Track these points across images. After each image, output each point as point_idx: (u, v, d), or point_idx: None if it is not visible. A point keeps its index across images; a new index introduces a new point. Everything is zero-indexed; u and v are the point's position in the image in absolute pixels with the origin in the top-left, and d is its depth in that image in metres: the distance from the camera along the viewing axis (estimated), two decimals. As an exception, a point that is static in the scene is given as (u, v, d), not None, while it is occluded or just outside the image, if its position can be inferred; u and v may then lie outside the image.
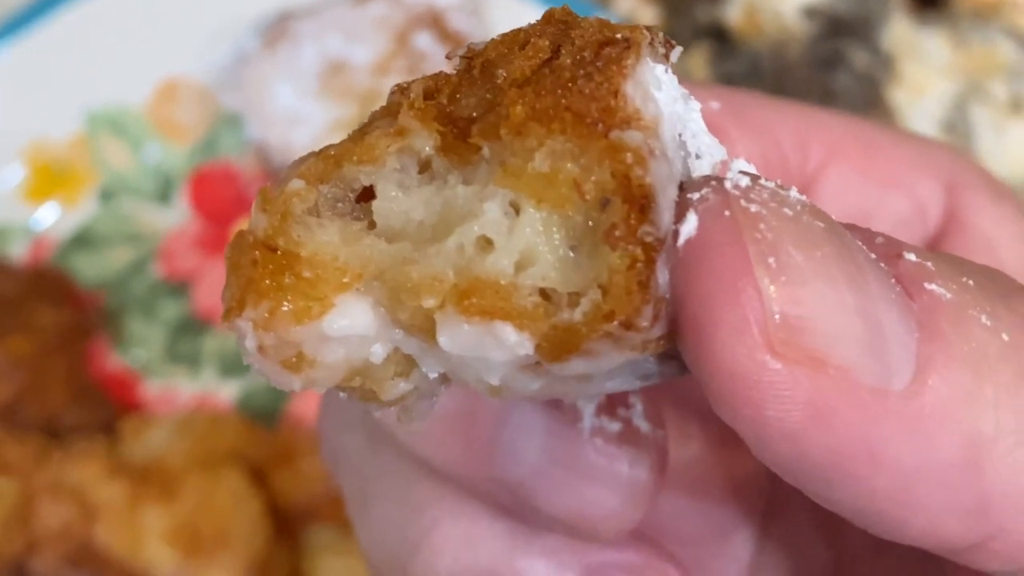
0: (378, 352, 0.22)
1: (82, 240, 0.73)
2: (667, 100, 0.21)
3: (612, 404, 0.28)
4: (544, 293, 0.21)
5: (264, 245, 0.22)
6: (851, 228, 0.22)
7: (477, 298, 0.21)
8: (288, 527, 0.62)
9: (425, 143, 0.22)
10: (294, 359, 0.22)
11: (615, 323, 0.20)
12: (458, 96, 0.22)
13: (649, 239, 0.20)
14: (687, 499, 0.34)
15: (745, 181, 0.20)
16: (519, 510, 0.29)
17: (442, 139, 0.22)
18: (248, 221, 0.22)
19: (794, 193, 0.21)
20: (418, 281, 0.21)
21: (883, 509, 0.21)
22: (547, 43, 0.21)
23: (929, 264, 0.21)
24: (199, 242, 0.74)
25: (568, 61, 0.21)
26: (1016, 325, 0.21)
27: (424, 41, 0.69)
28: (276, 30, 0.69)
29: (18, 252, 0.72)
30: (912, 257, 0.21)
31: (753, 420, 0.20)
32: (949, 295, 0.21)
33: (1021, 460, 0.21)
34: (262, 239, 0.22)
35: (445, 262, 0.21)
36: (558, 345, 0.20)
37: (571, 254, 0.21)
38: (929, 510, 0.21)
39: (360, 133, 0.23)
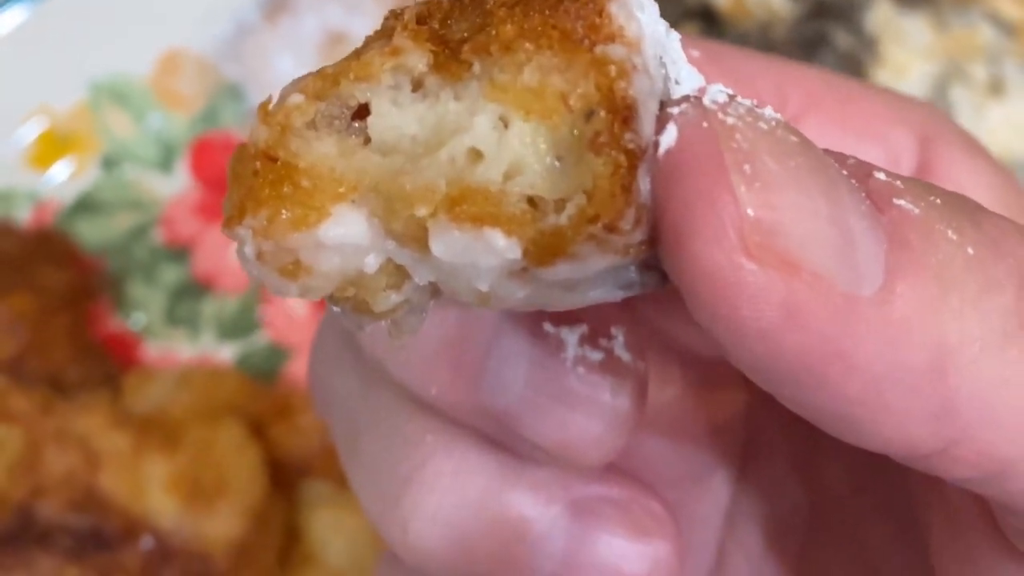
0: (371, 262, 0.23)
1: (85, 206, 0.75)
2: (649, 22, 0.22)
3: (594, 335, 0.28)
4: (532, 201, 0.22)
5: (264, 156, 0.23)
6: (824, 150, 0.22)
7: (467, 205, 0.22)
8: (284, 481, 0.63)
9: (418, 61, 0.23)
10: (291, 266, 0.23)
11: (599, 225, 0.21)
12: (449, 21, 0.23)
13: (631, 146, 0.21)
14: (667, 441, 0.35)
15: (722, 98, 0.21)
16: (505, 439, 0.30)
17: (434, 58, 0.23)
18: (249, 134, 0.23)
19: (769, 111, 0.22)
20: (411, 191, 0.22)
21: (854, 413, 0.22)
22: None
23: (898, 183, 0.22)
24: (199, 209, 0.76)
25: None
26: (981, 241, 0.22)
27: (421, 14, 0.71)
28: (277, 2, 0.71)
29: (22, 217, 0.74)
30: (882, 176, 0.22)
31: (729, 320, 0.20)
32: (917, 210, 0.22)
33: (984, 367, 0.21)
34: (262, 150, 0.23)
35: (437, 173, 0.22)
36: (545, 249, 0.22)
37: (557, 164, 0.22)
38: (897, 414, 0.22)
39: (356, 54, 0.24)
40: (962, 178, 0.33)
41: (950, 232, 0.22)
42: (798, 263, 0.20)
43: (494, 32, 0.22)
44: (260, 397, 0.64)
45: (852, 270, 0.21)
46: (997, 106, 0.79)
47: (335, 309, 0.24)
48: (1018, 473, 0.23)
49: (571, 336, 0.29)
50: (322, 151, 0.23)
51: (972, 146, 0.34)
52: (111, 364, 0.70)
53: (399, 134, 0.23)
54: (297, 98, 0.23)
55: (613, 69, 0.21)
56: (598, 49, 0.22)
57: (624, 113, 0.21)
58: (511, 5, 0.23)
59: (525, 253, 0.22)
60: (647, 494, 0.31)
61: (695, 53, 0.31)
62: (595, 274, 0.23)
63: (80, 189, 0.75)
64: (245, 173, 0.23)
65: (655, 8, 0.23)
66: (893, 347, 0.21)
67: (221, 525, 0.59)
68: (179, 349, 0.73)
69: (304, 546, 0.63)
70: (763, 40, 0.80)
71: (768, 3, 0.81)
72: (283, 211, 0.23)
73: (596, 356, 0.29)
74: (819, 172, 0.21)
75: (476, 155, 0.22)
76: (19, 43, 0.74)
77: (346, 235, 0.23)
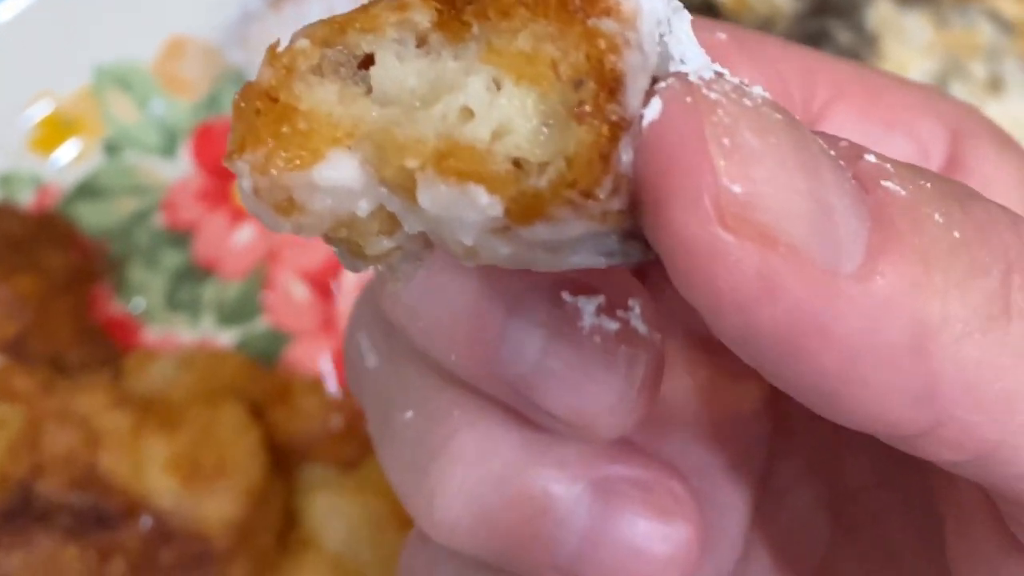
0: (363, 207, 0.24)
1: (87, 191, 0.75)
2: None
3: (611, 305, 0.29)
4: (517, 163, 0.23)
5: (267, 96, 0.24)
6: (816, 132, 0.23)
7: (454, 161, 0.23)
8: (283, 465, 0.64)
9: (424, 18, 0.24)
10: (285, 203, 0.24)
11: (575, 191, 0.22)
12: None
13: (615, 118, 0.22)
14: (692, 429, 0.35)
15: (709, 74, 0.22)
16: (523, 409, 0.30)
17: (439, 16, 0.24)
18: (257, 74, 0.24)
19: (758, 90, 0.22)
20: (403, 142, 0.23)
21: (834, 389, 0.22)
22: None
23: (888, 166, 0.23)
24: (201, 195, 0.76)
25: None
26: (968, 225, 0.22)
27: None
28: (282, -11, 0.71)
29: (25, 200, 0.74)
30: (871, 158, 0.23)
31: (707, 291, 0.21)
32: (904, 192, 0.22)
33: (967, 348, 0.22)
34: (266, 90, 0.24)
35: (429, 127, 0.23)
36: (524, 209, 0.22)
37: (545, 129, 0.23)
38: (878, 392, 0.22)
39: (364, 7, 0.24)
40: (991, 173, 0.33)
41: (937, 215, 0.22)
42: (775, 236, 0.20)
43: None
44: (260, 380, 0.65)
45: (831, 246, 0.21)
46: (996, 104, 0.79)
47: (335, 250, 0.25)
48: (1005, 457, 0.23)
49: (588, 306, 0.29)
50: (323, 96, 0.24)
51: (1003, 140, 0.34)
52: (112, 346, 0.70)
53: (400, 87, 0.24)
54: (303, 43, 0.24)
55: (603, 42, 0.22)
56: (591, 22, 0.22)
57: (611, 85, 0.22)
58: None
59: (507, 212, 0.22)
60: (671, 476, 0.32)
61: (722, 36, 0.32)
62: (575, 238, 0.23)
63: (83, 173, 0.76)
64: (248, 111, 0.24)
65: None
66: (872, 324, 0.21)
67: (220, 506, 0.59)
68: (179, 333, 0.73)
69: (302, 530, 0.63)
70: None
71: (770, -1, 0.82)
72: (280, 150, 0.23)
73: (612, 326, 0.29)
74: (801, 149, 0.21)
75: (468, 114, 0.23)
76: (24, 28, 0.74)
77: (339, 178, 0.24)
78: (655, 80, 0.22)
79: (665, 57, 0.23)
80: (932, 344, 0.21)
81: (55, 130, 0.76)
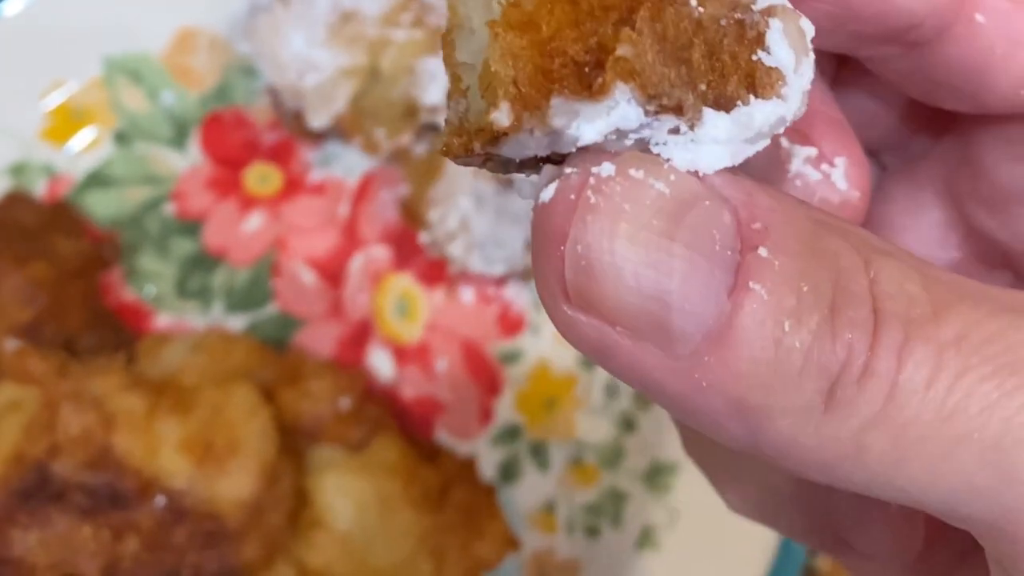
0: None
1: (98, 180, 0.77)
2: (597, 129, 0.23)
3: (820, 159, 0.31)
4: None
5: None
6: (735, 216, 0.23)
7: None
8: (293, 445, 0.65)
9: None
10: None
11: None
12: None
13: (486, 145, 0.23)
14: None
15: (608, 171, 0.23)
16: None
17: None
18: None
19: (659, 186, 0.23)
20: None
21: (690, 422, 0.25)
22: None
23: (776, 263, 0.23)
24: (211, 184, 0.77)
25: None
26: (807, 342, 0.23)
27: (430, -6, 0.73)
28: (290, -19, 0.73)
29: (37, 189, 0.76)
30: (763, 253, 0.23)
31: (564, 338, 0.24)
32: (767, 297, 0.23)
33: (788, 431, 0.24)
34: None
35: None
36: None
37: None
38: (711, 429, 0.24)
39: None
40: None
41: (786, 325, 0.23)
42: (612, 319, 0.23)
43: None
44: (271, 363, 0.66)
45: (664, 337, 0.23)
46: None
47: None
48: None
49: (800, 153, 0.31)
50: None
51: None
52: (125, 331, 0.71)
53: None
54: None
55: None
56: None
57: (496, 136, 0.22)
58: None
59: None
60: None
61: None
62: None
63: (94, 163, 0.77)
64: None
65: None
66: (696, 400, 0.23)
67: (233, 486, 0.60)
68: (190, 320, 0.75)
69: (312, 510, 0.64)
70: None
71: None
72: None
73: (814, 176, 0.31)
74: (660, 249, 0.23)
75: None
76: (36, 19, 0.75)
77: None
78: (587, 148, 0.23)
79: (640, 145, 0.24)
80: (752, 420, 0.23)
81: (67, 120, 0.77)
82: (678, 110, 0.23)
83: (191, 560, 0.60)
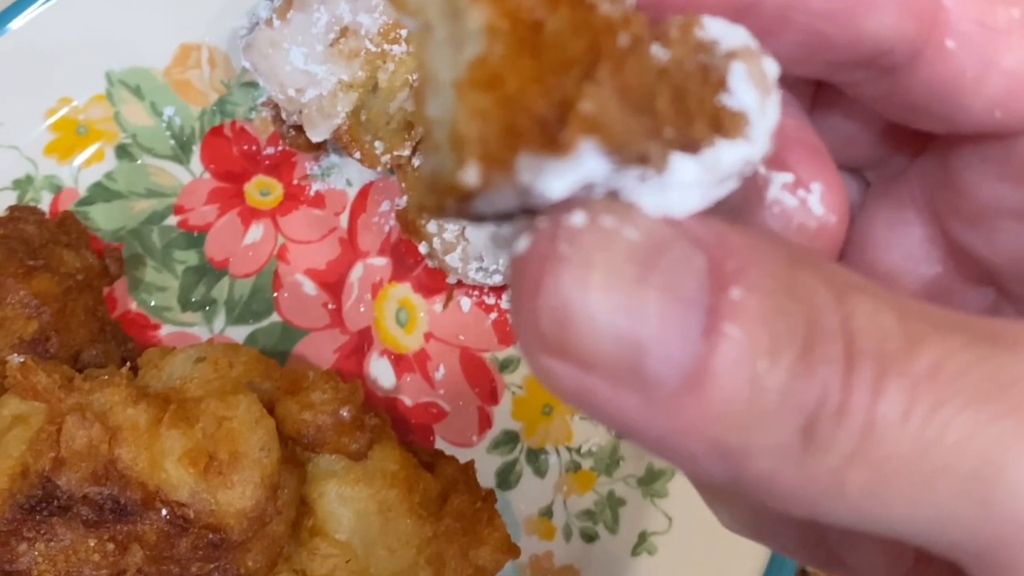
0: None
1: (102, 194, 0.78)
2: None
3: (796, 184, 0.31)
4: None
5: None
6: (712, 257, 0.24)
7: None
8: (295, 455, 0.66)
9: None
10: None
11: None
12: None
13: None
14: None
15: (581, 221, 0.23)
16: None
17: None
18: None
19: (630, 233, 0.23)
20: None
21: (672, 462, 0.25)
22: None
23: (752, 302, 0.24)
24: (213, 197, 0.78)
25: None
26: (782, 381, 0.23)
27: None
28: (289, -3, 0.74)
29: (42, 204, 0.77)
30: (736, 294, 0.24)
31: (544, 386, 0.24)
32: (740, 338, 0.23)
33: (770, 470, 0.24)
34: None
35: None
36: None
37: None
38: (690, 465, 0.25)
39: None
40: None
41: (760, 365, 0.23)
42: (590, 364, 0.23)
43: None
44: (273, 374, 0.67)
45: (638, 380, 0.23)
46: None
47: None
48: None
49: (778, 179, 0.31)
50: None
51: None
52: (129, 343, 0.72)
53: None
54: None
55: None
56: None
57: (464, 195, 0.23)
58: None
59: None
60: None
61: (1015, 13, 0.31)
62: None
63: (98, 178, 0.78)
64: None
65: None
66: (672, 442, 0.24)
67: (236, 497, 0.61)
68: (193, 331, 0.76)
69: (314, 519, 0.65)
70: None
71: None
72: None
73: (792, 202, 0.31)
74: (635, 296, 0.23)
75: None
76: (40, 36, 0.76)
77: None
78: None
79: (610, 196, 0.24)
80: (732, 460, 0.24)
81: (71, 135, 0.78)
82: (643, 159, 0.23)
83: (195, 571, 0.61)
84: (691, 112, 0.24)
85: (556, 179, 0.23)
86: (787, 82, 0.26)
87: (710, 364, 0.23)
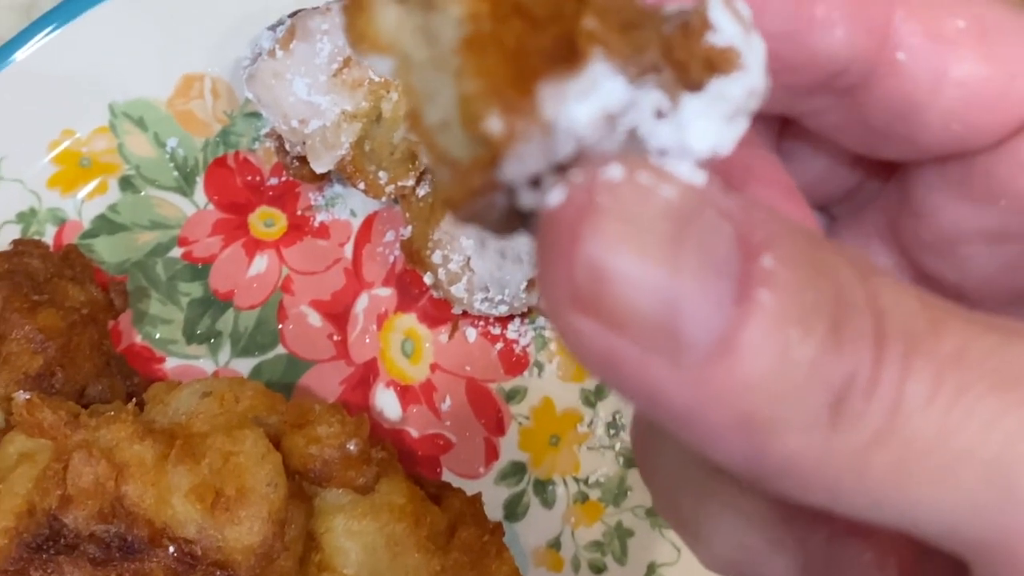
0: None
1: (106, 227, 0.78)
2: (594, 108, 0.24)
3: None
4: None
5: None
6: (740, 229, 0.24)
7: None
8: (302, 490, 0.65)
9: None
10: None
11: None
12: None
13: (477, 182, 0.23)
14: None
15: (619, 174, 0.23)
16: None
17: None
18: None
19: (667, 193, 0.23)
20: None
21: (685, 437, 0.25)
22: None
23: (783, 273, 0.23)
24: (217, 229, 0.78)
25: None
26: (813, 354, 0.23)
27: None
28: (292, 28, 0.74)
29: (46, 237, 0.77)
30: (767, 263, 0.23)
31: (570, 348, 0.24)
32: (772, 307, 0.23)
33: (793, 444, 0.24)
34: None
35: None
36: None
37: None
38: (717, 443, 0.24)
39: None
40: None
41: (793, 333, 0.23)
42: (620, 324, 0.23)
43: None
44: (279, 408, 0.67)
45: (671, 344, 0.23)
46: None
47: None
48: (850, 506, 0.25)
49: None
50: None
51: None
52: (134, 378, 0.72)
53: None
54: None
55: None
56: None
57: (493, 158, 0.23)
58: None
59: None
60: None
61: (960, 24, 0.31)
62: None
63: (101, 210, 0.78)
64: None
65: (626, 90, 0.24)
66: (701, 411, 0.23)
67: (243, 533, 0.61)
68: (199, 364, 0.76)
69: (322, 554, 0.65)
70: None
71: None
72: None
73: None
74: (672, 255, 0.23)
75: None
76: (42, 69, 0.76)
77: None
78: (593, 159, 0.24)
79: (634, 144, 0.24)
80: (757, 435, 0.23)
81: (74, 168, 0.78)
82: (656, 69, 0.23)
83: (203, 608, 0.61)
84: (684, 61, 0.24)
85: (579, 104, 0.23)
86: (752, 120, 0.26)
87: (742, 332, 0.23)
